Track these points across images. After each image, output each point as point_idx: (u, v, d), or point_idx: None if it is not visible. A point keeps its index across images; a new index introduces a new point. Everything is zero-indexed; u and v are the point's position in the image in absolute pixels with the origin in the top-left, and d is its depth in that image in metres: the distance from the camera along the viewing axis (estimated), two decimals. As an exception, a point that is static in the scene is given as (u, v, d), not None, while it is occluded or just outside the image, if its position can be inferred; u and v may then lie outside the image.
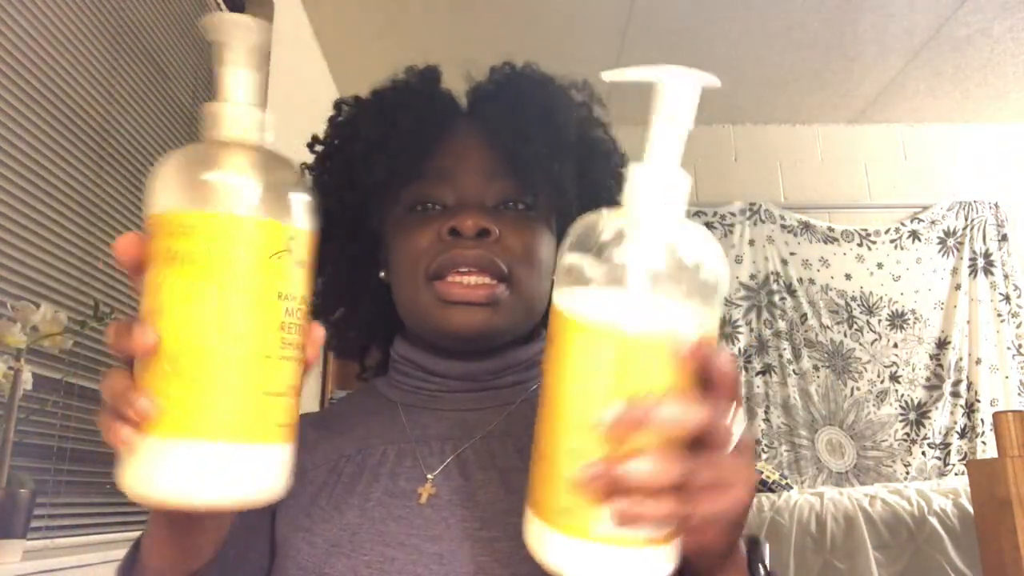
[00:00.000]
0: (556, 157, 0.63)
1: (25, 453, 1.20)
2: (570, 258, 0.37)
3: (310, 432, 0.67)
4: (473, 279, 0.60)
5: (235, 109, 0.39)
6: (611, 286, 0.36)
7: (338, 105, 0.71)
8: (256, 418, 0.38)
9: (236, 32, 0.39)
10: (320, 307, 0.73)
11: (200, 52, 2.03)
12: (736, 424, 0.37)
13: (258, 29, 0.40)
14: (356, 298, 0.73)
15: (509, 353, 0.66)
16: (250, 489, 0.38)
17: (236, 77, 0.40)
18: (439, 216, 0.63)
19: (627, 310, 0.35)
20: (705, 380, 0.36)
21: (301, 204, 0.40)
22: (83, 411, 1.41)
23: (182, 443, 0.37)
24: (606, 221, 0.38)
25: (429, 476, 0.59)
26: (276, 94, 2.13)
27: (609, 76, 0.40)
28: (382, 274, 0.70)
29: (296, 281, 0.40)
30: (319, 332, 0.41)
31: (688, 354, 0.35)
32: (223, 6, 2.13)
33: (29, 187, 1.29)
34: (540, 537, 0.39)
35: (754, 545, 0.45)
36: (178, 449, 0.37)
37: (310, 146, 0.72)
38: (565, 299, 0.37)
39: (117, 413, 0.37)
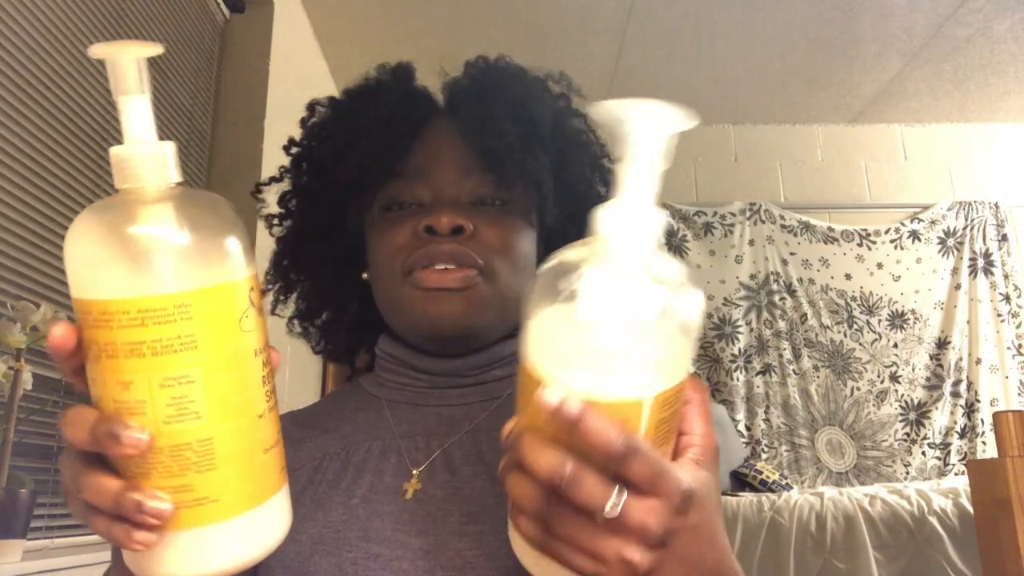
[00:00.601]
0: (531, 151, 0.63)
1: (25, 453, 1.20)
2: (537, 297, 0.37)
3: (295, 430, 0.66)
4: (450, 270, 0.60)
5: (149, 151, 0.35)
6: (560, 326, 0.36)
7: (311, 107, 0.71)
8: (265, 477, 0.38)
9: (125, 56, 0.35)
10: (306, 312, 0.73)
11: (200, 52, 2.03)
12: (626, 509, 0.35)
13: (145, 50, 0.36)
14: (341, 300, 0.73)
15: (494, 348, 0.66)
16: (271, 539, 0.39)
17: (136, 108, 0.35)
18: (415, 214, 0.63)
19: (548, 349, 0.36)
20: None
21: (243, 246, 0.37)
22: (83, 411, 1.41)
23: (203, 529, 0.36)
24: (570, 264, 0.36)
25: (415, 471, 0.59)
26: (276, 94, 2.13)
27: (596, 110, 0.37)
28: (365, 275, 0.70)
29: (261, 329, 0.39)
30: (277, 356, 0.41)
31: (546, 407, 0.34)
32: (223, 6, 2.13)
33: (29, 187, 1.29)
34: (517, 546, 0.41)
35: None
36: (200, 535, 0.36)
37: (286, 148, 0.72)
38: (528, 336, 0.37)
39: (123, 518, 0.35)
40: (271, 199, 0.74)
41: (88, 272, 0.34)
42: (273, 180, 0.73)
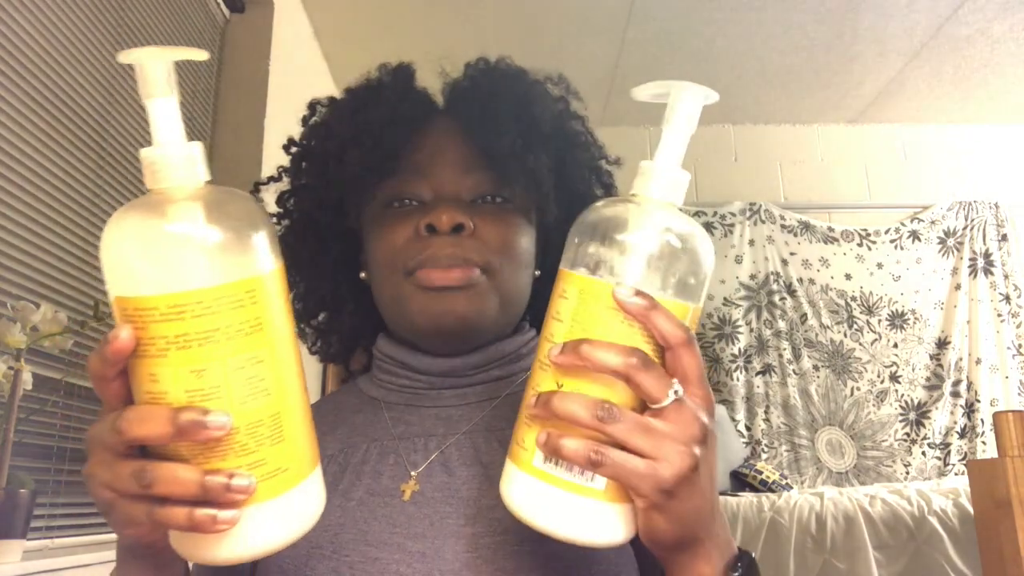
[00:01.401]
0: (531, 150, 0.63)
1: (25, 453, 1.20)
2: (579, 233, 0.42)
3: None
4: (452, 267, 0.60)
5: (185, 151, 0.37)
6: (604, 247, 0.41)
7: (312, 106, 0.71)
8: (315, 442, 0.42)
9: (153, 61, 0.37)
10: (302, 312, 0.73)
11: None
12: (682, 399, 0.39)
13: (172, 54, 0.38)
14: (338, 301, 0.73)
15: (492, 347, 0.65)
16: (323, 498, 0.42)
17: (165, 110, 0.37)
18: (415, 212, 0.63)
19: (612, 271, 0.40)
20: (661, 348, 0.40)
21: (273, 235, 0.40)
22: (83, 411, 1.41)
23: (279, 499, 0.38)
24: (615, 208, 0.43)
25: (413, 473, 0.59)
26: (276, 94, 2.13)
27: (638, 93, 0.45)
28: (363, 275, 0.69)
29: (292, 312, 0.42)
30: None
31: (625, 306, 0.38)
32: (223, 6, 2.13)
33: (29, 187, 1.29)
34: (502, 472, 0.43)
35: (749, 566, 0.45)
36: (277, 504, 0.38)
37: (286, 148, 0.72)
38: (564, 261, 0.43)
39: (206, 500, 0.36)
40: (269, 199, 0.74)
41: (150, 269, 0.36)
42: (272, 180, 0.73)
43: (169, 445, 0.37)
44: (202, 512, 0.36)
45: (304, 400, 0.41)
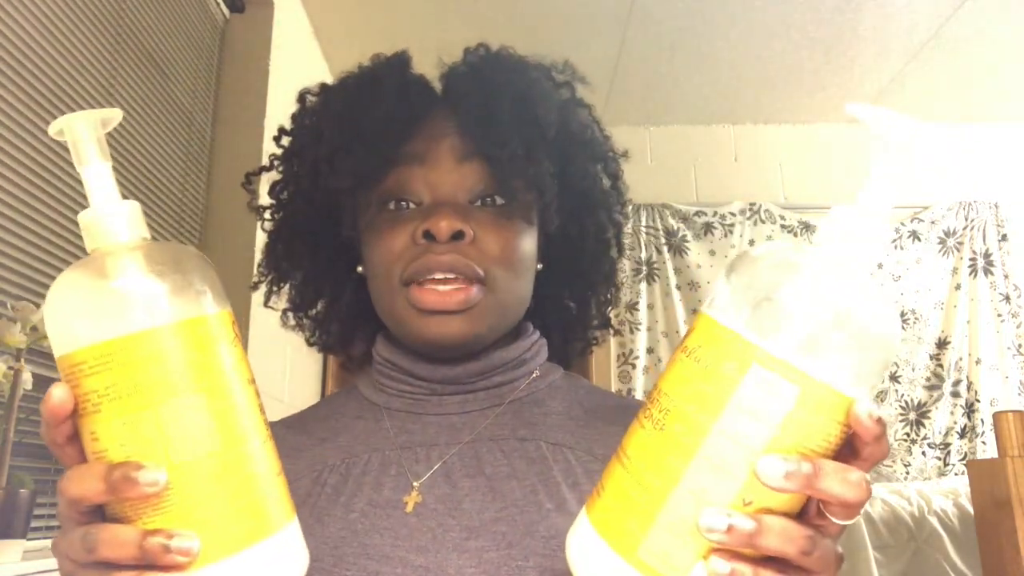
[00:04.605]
0: (534, 159, 0.60)
1: (25, 453, 1.20)
2: (756, 283, 0.34)
3: (291, 437, 0.65)
4: (448, 286, 0.58)
5: (119, 211, 0.38)
6: (808, 327, 0.33)
7: (302, 96, 0.69)
8: (281, 500, 0.38)
9: (81, 130, 0.39)
10: (299, 303, 0.72)
11: (200, 52, 2.03)
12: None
13: (99, 120, 0.39)
14: (335, 290, 0.71)
15: (494, 354, 0.64)
16: (296, 564, 0.39)
17: (98, 176, 0.39)
18: (412, 216, 0.60)
19: (819, 358, 0.32)
20: (851, 452, 0.35)
21: (213, 284, 0.39)
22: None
23: (238, 557, 0.35)
24: (799, 256, 0.35)
25: (415, 484, 0.58)
26: (276, 94, 2.13)
27: (855, 111, 0.38)
28: (360, 268, 0.67)
29: (246, 360, 0.40)
30: None
31: (861, 421, 0.33)
32: (223, 6, 2.13)
33: (29, 187, 1.29)
34: (604, 565, 0.35)
35: None
36: (235, 565, 0.35)
37: (276, 139, 0.70)
38: (741, 324, 0.34)
39: (147, 563, 0.34)
40: (261, 200, 0.72)
41: (78, 322, 0.35)
42: (264, 170, 0.71)
43: (116, 507, 0.35)
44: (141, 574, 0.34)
45: (265, 450, 0.38)
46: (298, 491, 0.59)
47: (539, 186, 0.61)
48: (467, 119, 0.61)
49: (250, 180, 0.71)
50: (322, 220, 0.66)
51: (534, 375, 0.66)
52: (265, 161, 0.71)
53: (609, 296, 0.75)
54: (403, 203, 0.62)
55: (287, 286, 0.72)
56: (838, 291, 0.34)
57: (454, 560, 0.52)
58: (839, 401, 0.33)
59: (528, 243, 0.63)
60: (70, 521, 0.36)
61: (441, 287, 0.58)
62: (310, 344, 0.74)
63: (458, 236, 0.58)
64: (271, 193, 0.70)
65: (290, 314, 0.73)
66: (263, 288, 0.72)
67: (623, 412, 0.64)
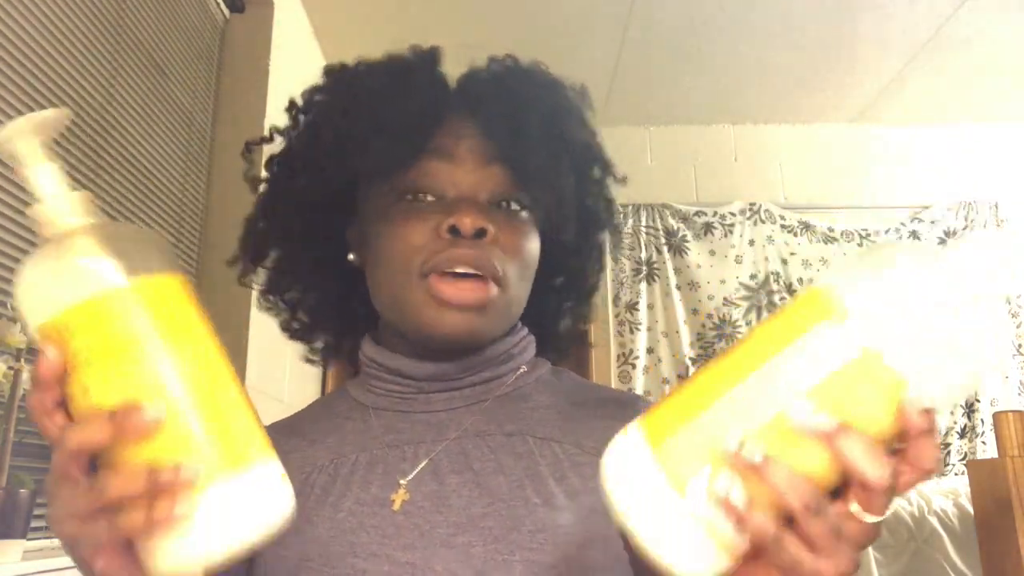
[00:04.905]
0: (560, 170, 0.62)
1: (25, 453, 1.20)
2: (891, 278, 0.35)
3: (282, 440, 0.64)
4: (468, 283, 0.59)
5: (66, 198, 0.41)
6: (911, 314, 0.34)
7: (328, 72, 0.68)
8: (264, 436, 0.41)
9: (22, 138, 0.41)
10: (274, 284, 0.71)
11: (200, 52, 2.03)
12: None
13: (40, 124, 0.42)
14: (312, 278, 0.71)
15: (486, 350, 0.64)
16: (283, 500, 0.40)
17: (45, 173, 0.42)
18: (435, 210, 0.60)
19: (907, 343, 0.34)
20: (898, 449, 0.35)
21: (166, 250, 0.43)
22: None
23: (233, 479, 0.38)
24: (931, 268, 0.36)
25: (402, 482, 0.58)
26: (276, 94, 2.13)
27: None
28: (351, 256, 0.67)
29: (208, 320, 0.43)
30: None
31: (906, 408, 0.34)
32: (223, 6, 2.13)
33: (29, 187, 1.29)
34: (631, 458, 0.37)
35: None
36: (230, 487, 0.38)
37: (289, 110, 0.69)
38: (853, 294, 0.35)
39: (157, 491, 0.36)
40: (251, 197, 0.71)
41: (58, 291, 0.38)
42: (264, 141, 0.70)
43: (112, 452, 0.37)
44: (159, 505, 0.36)
45: (240, 390, 0.42)
46: None
47: (561, 197, 0.63)
48: (493, 125, 0.62)
49: (250, 149, 0.71)
50: (320, 202, 0.66)
51: (521, 370, 0.67)
52: (269, 134, 0.70)
53: (586, 310, 0.77)
54: (420, 195, 0.62)
55: (265, 267, 0.71)
56: (943, 294, 0.35)
57: (441, 556, 0.53)
58: (893, 380, 0.34)
59: (536, 248, 0.65)
60: (68, 479, 0.38)
61: (462, 282, 0.59)
62: (283, 331, 0.73)
63: (480, 234, 0.59)
64: (270, 165, 0.69)
65: (269, 296, 0.72)
66: (238, 267, 0.71)
67: (612, 404, 0.64)
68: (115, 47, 1.59)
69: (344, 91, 0.66)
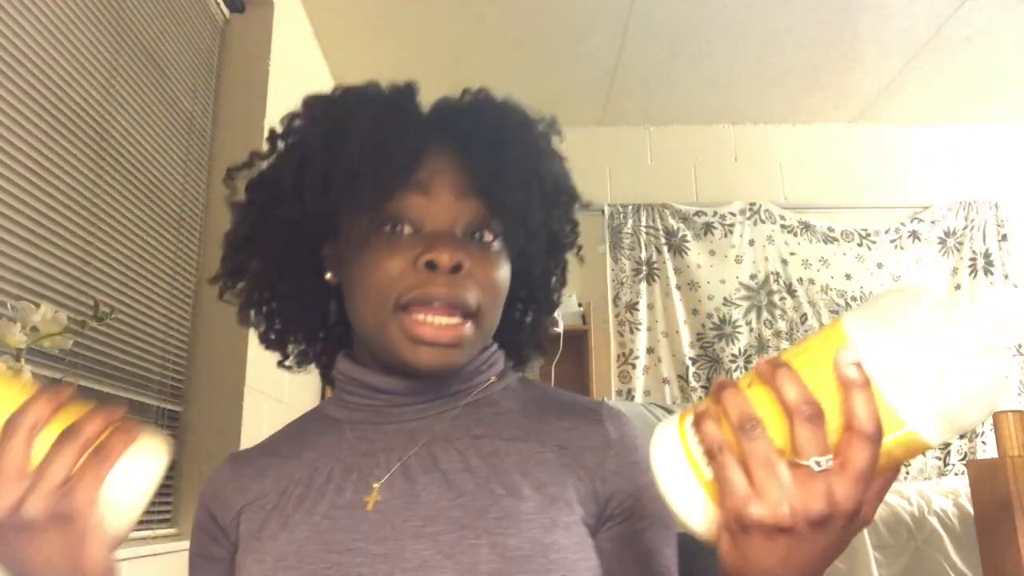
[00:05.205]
0: (533, 206, 0.65)
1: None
2: (896, 316, 0.40)
3: (256, 460, 0.68)
4: (443, 319, 0.61)
5: None
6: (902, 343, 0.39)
7: (308, 103, 0.68)
8: None
9: None
10: (251, 299, 0.72)
11: (200, 52, 2.03)
12: (822, 473, 0.39)
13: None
14: (287, 292, 0.72)
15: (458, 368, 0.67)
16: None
17: None
18: (410, 242, 0.62)
19: (883, 357, 0.39)
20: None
21: None
22: (83, 411, 1.40)
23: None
24: (937, 315, 0.40)
25: (375, 484, 0.61)
26: (276, 94, 2.13)
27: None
28: (328, 276, 0.69)
29: None
30: None
31: (836, 365, 0.39)
32: (223, 6, 2.13)
33: (29, 187, 1.29)
34: (662, 433, 0.45)
35: None
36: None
37: (271, 139, 0.69)
38: (859, 333, 0.40)
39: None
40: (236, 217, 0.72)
41: None
42: (246, 166, 0.71)
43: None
44: (109, 445, 0.45)
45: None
46: (265, 505, 0.63)
47: (533, 233, 0.66)
48: (470, 160, 0.64)
49: (233, 176, 0.72)
50: (300, 227, 0.67)
51: (490, 380, 0.70)
52: (266, 165, 0.71)
53: (546, 322, 0.81)
54: (398, 227, 0.64)
55: (242, 284, 0.72)
56: (944, 332, 0.39)
57: (411, 545, 0.56)
58: (837, 341, 0.40)
59: (507, 276, 0.67)
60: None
61: (437, 319, 0.61)
62: (260, 341, 0.75)
63: (457, 269, 0.61)
64: (252, 189, 0.70)
65: (251, 312, 0.73)
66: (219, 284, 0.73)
67: (575, 408, 0.68)
68: (115, 47, 1.59)
69: (327, 126, 0.66)
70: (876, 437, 0.38)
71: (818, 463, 0.38)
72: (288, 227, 0.67)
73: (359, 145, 0.62)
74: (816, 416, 0.39)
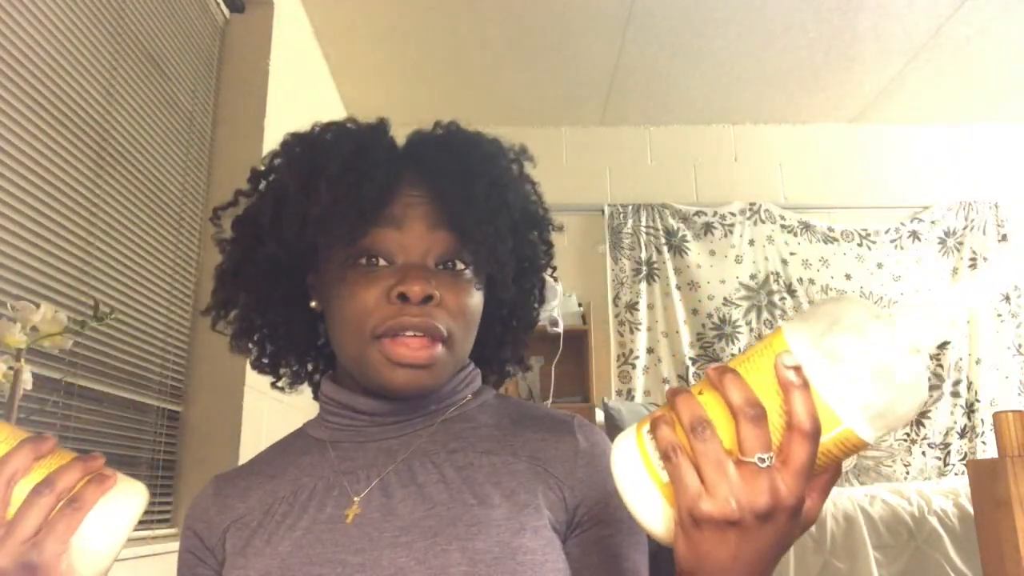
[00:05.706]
0: (502, 236, 0.68)
1: (25, 453, 1.20)
2: (831, 329, 0.43)
3: (240, 480, 0.71)
4: (417, 341, 0.64)
5: None
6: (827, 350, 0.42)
7: (285, 145, 0.72)
8: None
9: None
10: (243, 329, 0.75)
11: (200, 52, 2.03)
12: (767, 470, 0.42)
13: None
14: (276, 319, 0.75)
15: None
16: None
17: None
18: (384, 275, 0.66)
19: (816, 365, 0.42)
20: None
21: None
22: (83, 411, 1.41)
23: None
24: (864, 315, 0.43)
25: (355, 499, 0.65)
26: (276, 94, 2.13)
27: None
28: (313, 304, 0.72)
29: None
30: None
31: (776, 369, 0.42)
32: (223, 6, 2.13)
33: (29, 187, 1.29)
34: (622, 441, 0.48)
35: None
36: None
37: (253, 179, 0.73)
38: (797, 339, 0.43)
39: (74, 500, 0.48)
40: (228, 229, 0.75)
41: None
42: (231, 205, 0.75)
43: None
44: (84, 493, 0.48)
45: None
46: (250, 523, 0.66)
47: (501, 262, 0.69)
48: (441, 194, 0.68)
49: (218, 215, 0.76)
50: (283, 261, 0.71)
51: (467, 398, 0.74)
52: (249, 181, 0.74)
53: (526, 338, 0.84)
54: (373, 260, 0.67)
55: (233, 314, 0.77)
56: (876, 333, 0.42)
57: (388, 554, 0.59)
58: (777, 347, 0.43)
59: (479, 302, 0.71)
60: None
61: (411, 343, 0.65)
62: (252, 366, 0.79)
63: (427, 300, 0.65)
64: (237, 226, 0.74)
65: (243, 341, 0.77)
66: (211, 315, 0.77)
67: (547, 421, 0.71)
68: (115, 47, 1.59)
69: (302, 165, 0.70)
70: (815, 434, 0.41)
71: (762, 460, 0.41)
72: (271, 262, 0.70)
73: (332, 184, 0.65)
74: (759, 417, 0.42)
